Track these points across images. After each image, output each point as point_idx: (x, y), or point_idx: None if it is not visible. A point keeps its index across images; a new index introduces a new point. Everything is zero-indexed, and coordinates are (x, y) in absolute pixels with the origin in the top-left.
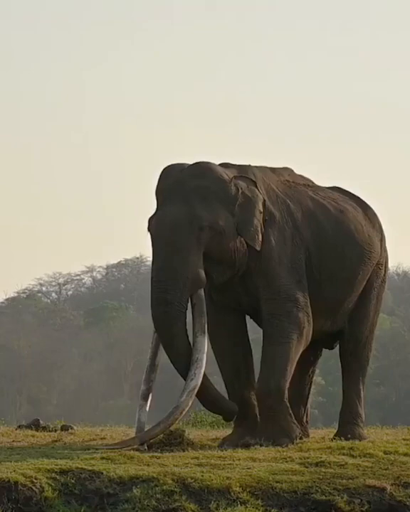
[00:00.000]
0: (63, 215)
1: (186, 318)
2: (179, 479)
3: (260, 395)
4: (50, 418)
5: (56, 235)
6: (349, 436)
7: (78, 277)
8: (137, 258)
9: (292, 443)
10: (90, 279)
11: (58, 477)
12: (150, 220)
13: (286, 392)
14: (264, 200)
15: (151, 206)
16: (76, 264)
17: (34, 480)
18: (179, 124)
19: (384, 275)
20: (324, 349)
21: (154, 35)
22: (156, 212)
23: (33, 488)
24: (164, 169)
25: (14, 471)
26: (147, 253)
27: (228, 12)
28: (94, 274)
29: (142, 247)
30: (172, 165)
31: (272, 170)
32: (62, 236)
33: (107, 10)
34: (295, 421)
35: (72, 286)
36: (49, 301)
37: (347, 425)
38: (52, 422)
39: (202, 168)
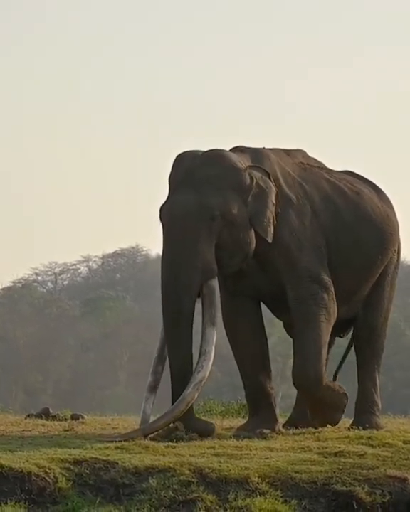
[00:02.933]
0: (59, 204)
1: (193, 314)
2: (196, 469)
3: (301, 383)
4: None
5: (52, 225)
6: (366, 425)
7: (74, 267)
8: (133, 248)
9: (343, 413)
10: (86, 268)
11: (72, 467)
12: (161, 208)
13: (324, 376)
14: (277, 193)
15: (147, 196)
16: (72, 254)
17: (48, 470)
18: (177, 113)
19: (398, 261)
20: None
21: (160, 24)
22: (167, 200)
23: (47, 478)
24: (177, 156)
25: (27, 461)
26: (143, 243)
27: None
28: (90, 263)
29: (138, 237)
30: (185, 152)
31: (287, 152)
32: (58, 226)
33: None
34: (338, 387)
35: (68, 275)
36: (45, 290)
37: (364, 414)
38: (61, 411)
39: (216, 156)
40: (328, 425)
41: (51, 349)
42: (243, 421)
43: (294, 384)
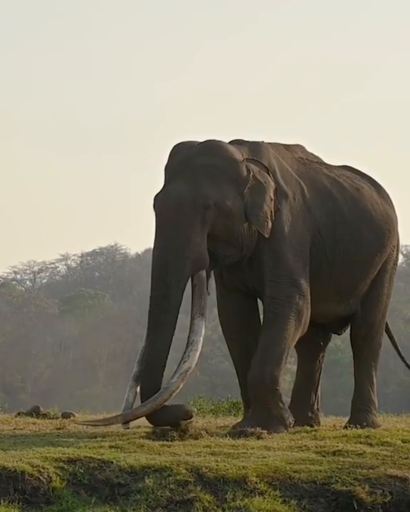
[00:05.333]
0: (37, 203)
1: (180, 303)
2: (192, 469)
3: (253, 381)
4: (25, 406)
5: (30, 223)
6: (364, 423)
7: (53, 265)
8: (112, 246)
9: (287, 430)
10: (64, 267)
11: (66, 466)
12: (155, 197)
13: (280, 380)
14: (276, 188)
15: (125, 195)
16: (51, 253)
17: (41, 469)
18: (156, 114)
19: (396, 257)
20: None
21: (160, 16)
22: (162, 189)
23: (41, 478)
24: (174, 146)
25: (20, 460)
26: (121, 241)
27: None
28: (68, 262)
29: (116, 235)
30: (183, 142)
31: (286, 147)
32: (37, 224)
33: None
34: (287, 408)
35: (47, 274)
36: (23, 289)
37: (360, 412)
38: (51, 409)
39: (212, 146)
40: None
41: (30, 348)
42: (235, 419)
43: (248, 380)
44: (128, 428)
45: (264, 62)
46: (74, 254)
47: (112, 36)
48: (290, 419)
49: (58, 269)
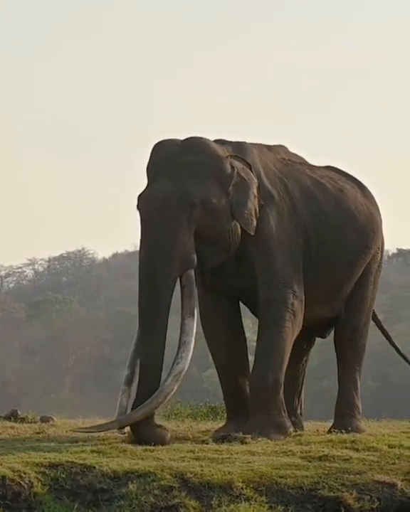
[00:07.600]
0: (3, 207)
1: (170, 304)
2: (177, 474)
3: (256, 388)
4: None
5: None
6: (349, 428)
7: (20, 270)
8: (79, 251)
9: (281, 435)
10: (31, 271)
11: (47, 471)
12: (139, 196)
13: (282, 385)
14: (258, 185)
15: (94, 199)
16: (18, 257)
17: (23, 474)
18: (128, 119)
19: (380, 259)
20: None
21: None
22: (146, 188)
23: (22, 483)
24: (155, 144)
25: (1, 465)
26: (89, 246)
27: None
28: (36, 266)
29: (83, 240)
30: (164, 140)
31: (268, 147)
32: (3, 228)
33: None
34: (288, 416)
35: (14, 278)
36: None
37: (344, 417)
38: (29, 412)
39: (196, 143)
40: (259, 439)
41: None
42: (214, 424)
43: (250, 386)
44: (124, 433)
45: (263, 63)
46: (41, 259)
47: (111, 38)
48: (291, 429)
49: (25, 274)
